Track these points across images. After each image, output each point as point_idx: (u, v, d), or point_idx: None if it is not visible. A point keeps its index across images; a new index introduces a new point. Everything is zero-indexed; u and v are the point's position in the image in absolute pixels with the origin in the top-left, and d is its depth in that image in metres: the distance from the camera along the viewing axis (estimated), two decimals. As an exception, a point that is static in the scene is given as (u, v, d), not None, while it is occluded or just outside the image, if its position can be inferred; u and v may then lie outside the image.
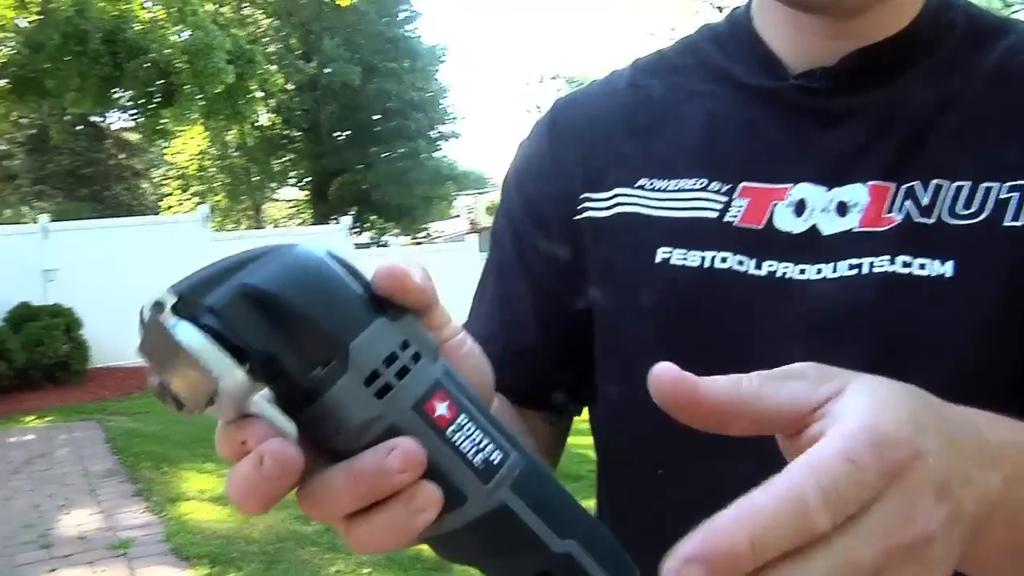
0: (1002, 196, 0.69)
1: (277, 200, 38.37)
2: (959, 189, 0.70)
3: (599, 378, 0.83)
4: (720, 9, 19.53)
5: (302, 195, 36.32)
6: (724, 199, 0.76)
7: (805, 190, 0.74)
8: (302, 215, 37.56)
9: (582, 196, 0.84)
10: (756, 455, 0.45)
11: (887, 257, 0.69)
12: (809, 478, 0.37)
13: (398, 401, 0.44)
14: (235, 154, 31.15)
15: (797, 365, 0.45)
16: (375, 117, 33.20)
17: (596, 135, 0.86)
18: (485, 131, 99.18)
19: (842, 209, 0.72)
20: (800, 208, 0.74)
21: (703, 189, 0.77)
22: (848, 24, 0.75)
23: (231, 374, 0.41)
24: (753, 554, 0.36)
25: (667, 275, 0.75)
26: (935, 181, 0.71)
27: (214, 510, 5.59)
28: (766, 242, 0.73)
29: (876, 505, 0.38)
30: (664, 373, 0.42)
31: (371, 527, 0.44)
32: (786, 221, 0.73)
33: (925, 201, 0.70)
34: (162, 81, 14.25)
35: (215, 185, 32.67)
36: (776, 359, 0.67)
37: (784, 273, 0.72)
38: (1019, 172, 0.69)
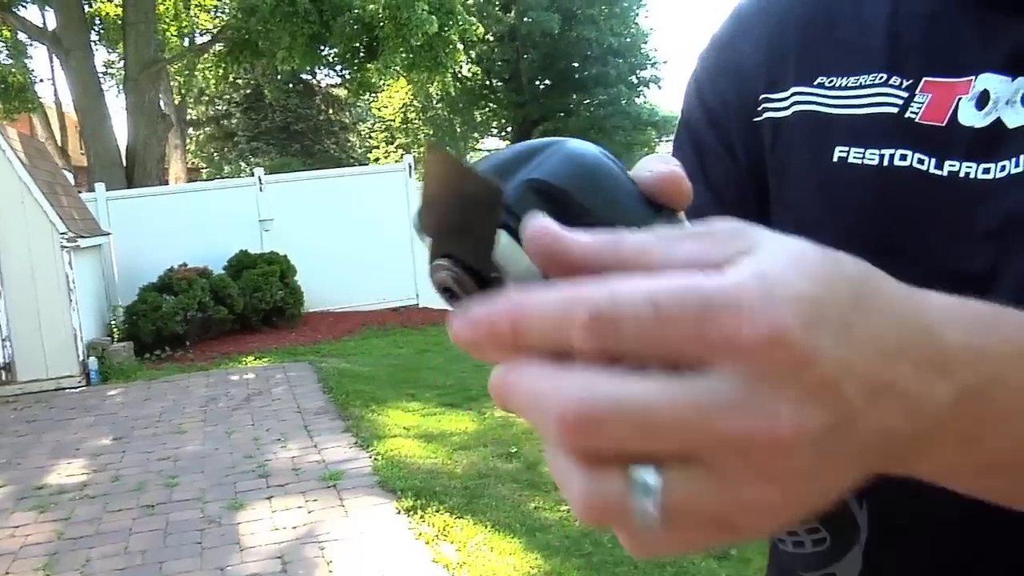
0: None
1: (480, 150, 39.05)
2: None
3: None
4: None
5: (504, 144, 36.78)
6: (905, 94, 0.70)
7: (988, 80, 0.67)
8: (505, 165, 38.19)
9: (762, 97, 0.79)
10: None
11: None
12: (595, 295, 0.33)
13: None
14: (438, 106, 31.81)
15: (709, 221, 0.38)
16: (575, 64, 33.16)
17: (775, 34, 0.81)
18: (688, 75, 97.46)
19: None
20: (983, 100, 0.67)
21: (883, 84, 0.71)
22: None
23: (526, 271, 0.38)
24: (512, 336, 0.34)
25: (844, 175, 0.71)
26: None
27: (418, 447, 5.75)
28: (948, 140, 0.67)
29: (699, 373, 0.32)
30: (534, 228, 0.37)
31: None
32: (969, 116, 0.67)
33: None
34: (366, 36, 14.61)
35: (420, 137, 33.50)
36: (958, 263, 0.60)
37: (967, 173, 0.66)
38: None
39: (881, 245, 0.66)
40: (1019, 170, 0.63)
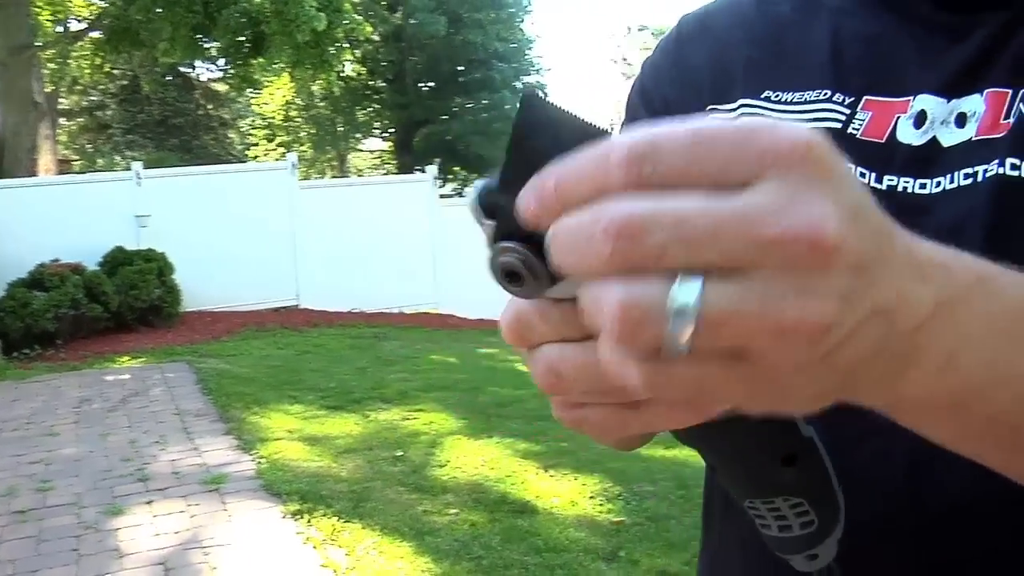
0: None
1: (361, 151, 38.69)
2: None
3: None
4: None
5: (386, 146, 36.52)
6: (847, 111, 0.75)
7: (925, 101, 0.72)
8: (386, 166, 37.81)
9: (709, 108, 0.82)
10: None
11: (996, 162, 0.68)
12: (631, 136, 0.35)
13: None
14: (321, 104, 31.41)
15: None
16: (460, 68, 33.14)
17: (723, 48, 0.85)
18: (571, 82, 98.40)
19: (961, 120, 0.70)
20: (920, 119, 0.72)
21: (827, 100, 0.76)
22: None
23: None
24: (556, 195, 0.35)
25: None
26: None
27: (303, 449, 5.68)
28: (888, 156, 0.72)
29: (741, 189, 0.34)
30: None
31: (667, 407, 0.41)
32: (907, 134, 0.72)
33: None
34: (251, 31, 14.35)
35: (301, 135, 33.03)
36: None
37: (905, 187, 0.71)
38: None
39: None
40: (953, 186, 0.68)
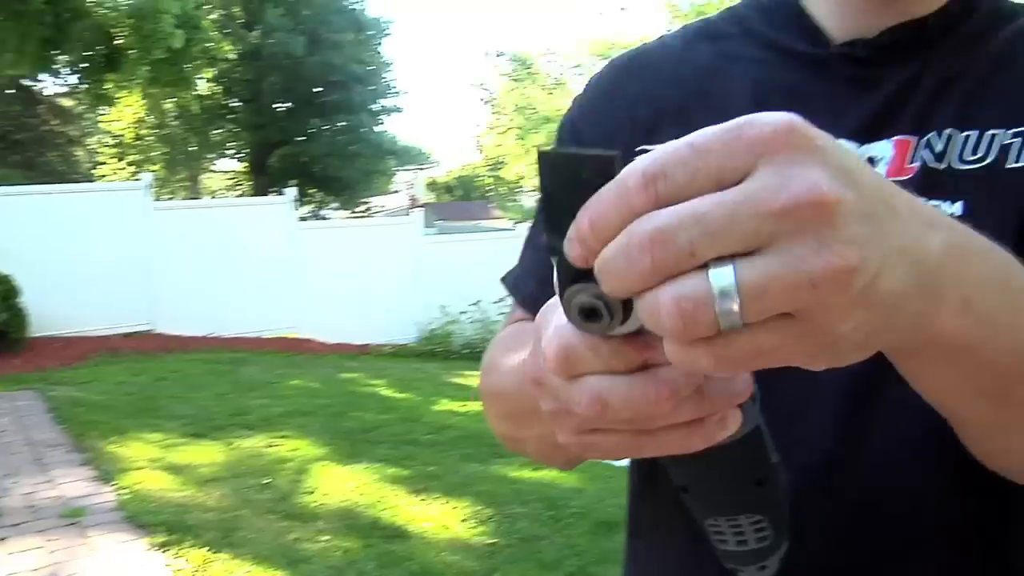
0: (1006, 141, 0.76)
1: (215, 171, 37.85)
2: (967, 137, 0.77)
3: None
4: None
5: (240, 166, 35.82)
6: None
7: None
8: (240, 187, 37.05)
9: (639, 148, 0.87)
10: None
11: None
12: (641, 163, 0.40)
13: None
14: (174, 123, 30.58)
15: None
16: (317, 89, 32.81)
17: (651, 90, 0.92)
18: (428, 106, 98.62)
19: (871, 163, 0.79)
20: None
21: None
22: (890, 4, 0.83)
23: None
24: (593, 234, 0.40)
25: None
26: (948, 131, 0.78)
27: (166, 479, 5.53)
28: None
29: (745, 181, 0.39)
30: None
31: (681, 434, 0.47)
32: None
33: (939, 149, 0.78)
34: (106, 45, 13.92)
35: (152, 154, 32.06)
36: None
37: None
38: (1020, 122, 0.76)
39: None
40: None
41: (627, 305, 0.42)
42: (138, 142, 31.24)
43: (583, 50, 31.58)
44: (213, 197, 39.90)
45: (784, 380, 0.56)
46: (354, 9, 32.94)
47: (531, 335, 0.53)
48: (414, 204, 42.78)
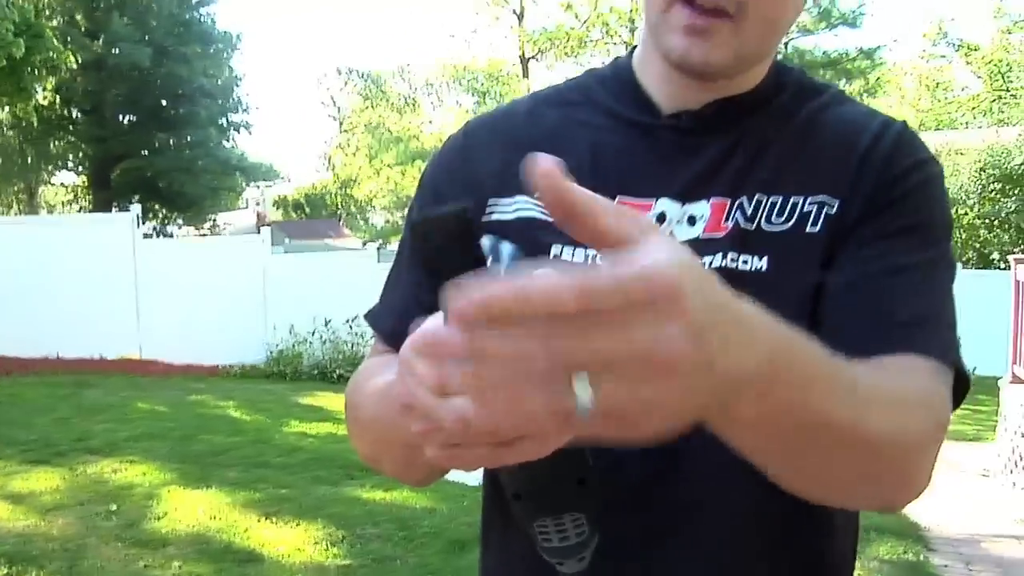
0: (806, 209, 0.92)
1: (53, 184, 36.35)
2: (774, 203, 0.93)
3: None
4: (518, 14, 20.12)
5: (81, 180, 34.53)
6: None
7: (664, 204, 0.96)
8: (80, 202, 35.70)
9: (490, 201, 1.02)
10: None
11: (720, 256, 0.92)
12: (584, 280, 0.49)
13: None
14: (9, 133, 29.25)
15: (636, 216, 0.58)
16: (164, 102, 32.00)
17: (503, 150, 1.04)
18: (277, 123, 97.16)
19: (691, 220, 0.95)
20: (661, 218, 0.95)
21: None
22: (713, 82, 0.98)
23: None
24: (514, 307, 0.48)
25: (559, 267, 0.94)
26: (757, 196, 0.94)
27: (5, 508, 5.37)
28: None
29: (631, 319, 0.48)
30: (544, 167, 0.56)
31: (535, 442, 0.56)
32: None
33: (749, 212, 0.93)
34: (-64, 51, 13.29)
35: (-13, 165, 30.62)
36: None
37: None
38: (819, 191, 0.93)
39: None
40: None
41: None
42: (-31, 151, 29.78)
43: (435, 71, 31.82)
44: (52, 211, 38.35)
45: None
46: (203, 22, 32.31)
47: (393, 367, 0.62)
48: (262, 221, 42.06)
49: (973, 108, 37.89)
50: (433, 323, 0.53)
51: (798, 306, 0.89)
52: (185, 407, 9.41)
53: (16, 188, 33.38)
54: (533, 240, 0.97)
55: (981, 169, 19.88)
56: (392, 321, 1.04)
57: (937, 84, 42.58)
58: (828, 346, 0.70)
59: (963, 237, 20.16)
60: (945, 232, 0.97)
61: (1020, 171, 18.86)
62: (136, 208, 13.77)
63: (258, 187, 49.74)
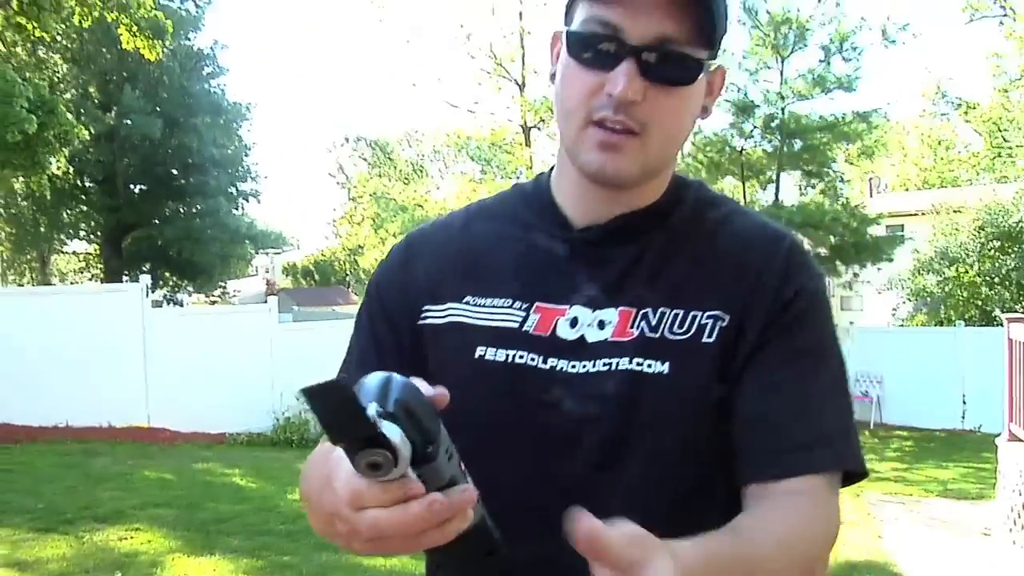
0: (702, 321, 1.06)
1: (65, 252, 36.74)
2: (676, 315, 1.07)
3: None
4: (519, 84, 20.51)
5: (92, 248, 34.92)
6: (523, 314, 1.11)
7: (577, 310, 1.10)
8: (92, 270, 36.05)
9: (424, 308, 1.17)
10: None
11: (627, 359, 1.06)
12: None
13: (456, 465, 0.76)
14: (23, 203, 29.69)
15: (639, 534, 0.76)
16: (174, 172, 32.50)
17: (437, 262, 1.20)
18: (286, 191, 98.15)
19: (601, 325, 1.08)
20: (574, 323, 1.09)
21: (510, 307, 1.12)
22: (618, 196, 1.12)
23: (408, 453, 0.69)
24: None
25: (483, 367, 1.10)
26: (661, 308, 1.07)
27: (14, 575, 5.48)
28: (551, 345, 1.09)
29: None
30: (583, 526, 0.72)
31: (438, 532, 0.73)
32: (564, 331, 1.09)
33: (653, 322, 1.07)
34: (-50, 127, 13.60)
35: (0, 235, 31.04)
36: (559, 426, 1.05)
37: (562, 367, 1.08)
38: (714, 306, 1.06)
39: (505, 417, 1.09)
40: (595, 370, 1.06)
41: (395, 458, 0.69)
42: (-17, 221, 30.21)
43: (440, 139, 32.31)
44: (64, 278, 38.71)
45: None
46: (213, 93, 32.86)
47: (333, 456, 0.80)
48: (271, 289, 42.31)
49: (974, 166, 38.28)
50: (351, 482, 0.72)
51: (694, 404, 1.05)
52: (191, 475, 9.51)
53: (29, 257, 33.77)
54: (461, 342, 1.12)
55: (980, 227, 20.02)
56: None
57: (939, 142, 43.03)
58: (739, 461, 1.00)
59: (964, 296, 20.24)
60: (832, 342, 1.11)
61: (1018, 229, 18.98)
62: (146, 278, 13.97)
63: (267, 254, 50.10)
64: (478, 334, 1.12)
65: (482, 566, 0.86)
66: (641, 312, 1.08)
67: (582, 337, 1.08)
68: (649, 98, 1.02)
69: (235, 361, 13.52)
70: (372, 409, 0.69)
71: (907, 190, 42.61)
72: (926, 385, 16.87)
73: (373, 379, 0.72)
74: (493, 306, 1.13)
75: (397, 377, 0.73)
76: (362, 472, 0.69)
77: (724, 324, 1.06)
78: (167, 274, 33.39)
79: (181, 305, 32.95)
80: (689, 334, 1.06)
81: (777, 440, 1.02)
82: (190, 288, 36.90)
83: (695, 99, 1.09)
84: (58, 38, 21.57)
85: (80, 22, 14.37)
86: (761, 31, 16.92)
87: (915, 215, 27.94)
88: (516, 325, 1.10)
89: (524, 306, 1.11)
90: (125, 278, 30.58)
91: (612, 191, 1.11)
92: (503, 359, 1.09)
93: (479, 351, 1.11)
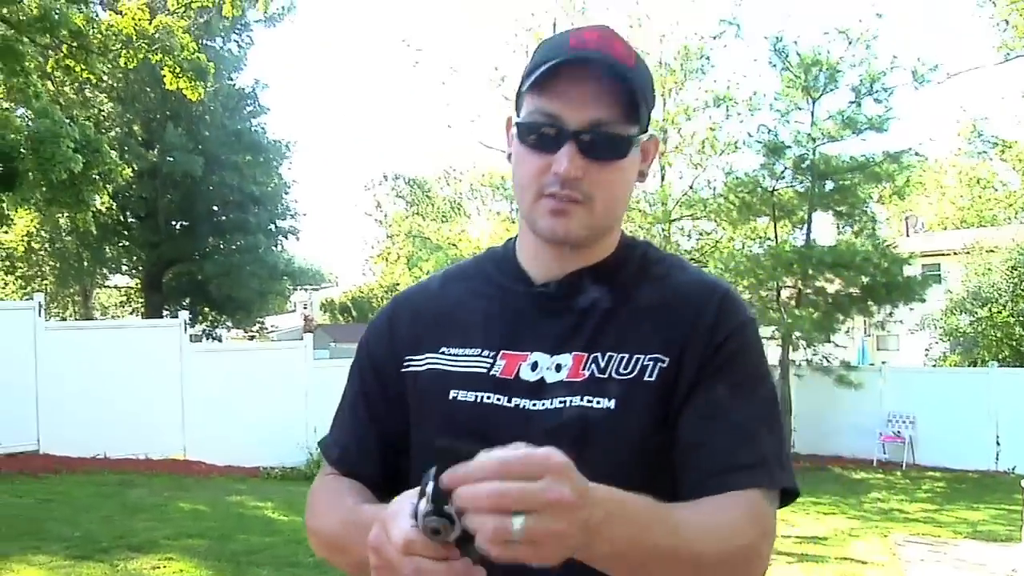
0: (645, 363, 1.23)
1: (107, 287, 37.33)
2: (622, 358, 1.23)
3: (413, 466, 1.35)
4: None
5: (133, 283, 35.45)
6: (490, 360, 1.29)
7: (538, 356, 1.27)
8: (133, 304, 36.59)
9: (406, 358, 1.37)
10: None
11: (579, 396, 1.22)
12: (497, 456, 0.88)
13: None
14: (68, 238, 30.28)
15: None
16: (215, 208, 32.93)
17: (417, 319, 1.40)
18: (325, 228, 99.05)
19: (558, 368, 1.25)
20: (535, 367, 1.26)
21: (479, 355, 1.30)
22: (571, 255, 1.31)
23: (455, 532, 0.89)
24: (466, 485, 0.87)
25: (454, 408, 1.29)
26: (608, 353, 1.24)
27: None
28: (514, 387, 1.26)
29: (545, 483, 0.85)
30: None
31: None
32: (526, 374, 1.26)
33: (602, 365, 1.23)
34: (3, 165, 14.02)
35: (44, 269, 31.62)
36: None
37: (523, 405, 1.25)
38: (655, 350, 1.23)
39: (480, 444, 1.27)
40: (552, 407, 1.24)
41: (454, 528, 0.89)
42: (30, 255, 30.80)
43: (476, 178, 32.67)
44: (105, 312, 39.29)
45: None
46: (254, 131, 33.33)
47: (342, 489, 1.12)
48: (308, 325, 42.67)
49: (1011, 204, 38.04)
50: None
51: (639, 434, 1.22)
52: (224, 507, 9.73)
53: (72, 291, 34.35)
54: (438, 386, 1.31)
55: (1012, 267, 19.92)
56: (338, 452, 1.39)
57: (977, 180, 42.76)
58: (683, 485, 1.16)
59: (997, 336, 20.11)
60: (764, 375, 1.28)
61: (1052, 270, 18.87)
62: (184, 314, 14.32)
63: (305, 290, 50.57)
64: (452, 378, 1.30)
65: None
66: (591, 356, 1.25)
67: (542, 379, 1.25)
68: (590, 173, 1.21)
69: (270, 396, 13.78)
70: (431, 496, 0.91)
71: (945, 228, 42.34)
72: (959, 426, 16.78)
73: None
74: (465, 355, 1.31)
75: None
76: (425, 531, 0.89)
77: (664, 365, 1.23)
78: (206, 309, 33.79)
79: (220, 340, 33.35)
80: (633, 374, 1.22)
81: (719, 462, 1.18)
82: (229, 323, 37.30)
83: (631, 168, 1.28)
84: (104, 78, 22.09)
85: (126, 64, 14.79)
86: (792, 73, 17.10)
87: (950, 255, 27.79)
88: (485, 370, 1.28)
89: (491, 354, 1.29)
90: (165, 312, 31.06)
91: (566, 251, 1.30)
92: (472, 399, 1.27)
93: (452, 393, 1.28)
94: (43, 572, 6.42)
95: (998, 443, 16.39)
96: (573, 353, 1.26)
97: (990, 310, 20.08)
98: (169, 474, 11.72)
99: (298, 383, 14.21)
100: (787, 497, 1.23)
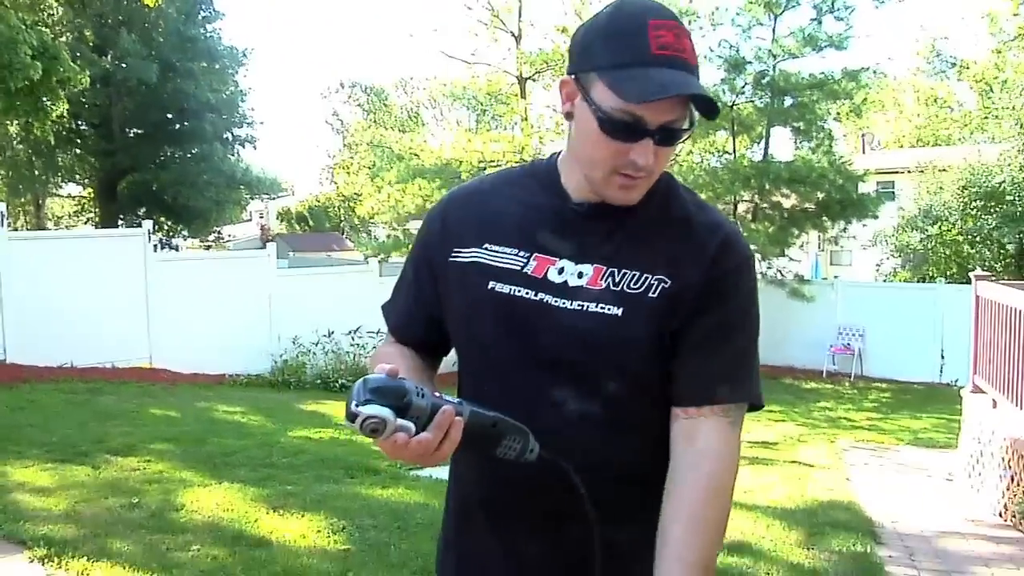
0: (651, 282, 1.44)
1: (60, 196, 36.86)
2: (633, 275, 1.44)
3: (455, 344, 1.61)
4: (516, 35, 20.72)
5: (87, 192, 35.02)
6: (524, 260, 1.51)
7: (564, 262, 1.49)
8: (86, 213, 36.19)
9: (454, 250, 1.57)
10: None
11: (595, 303, 1.44)
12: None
13: (431, 396, 1.22)
14: (19, 147, 29.78)
15: None
16: (169, 116, 32.53)
17: (466, 216, 1.60)
18: (282, 137, 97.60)
19: (580, 275, 1.47)
20: (561, 271, 1.48)
21: (516, 254, 1.52)
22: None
23: (393, 419, 1.15)
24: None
25: (493, 297, 1.51)
26: (623, 269, 1.45)
27: (38, 500, 5.82)
28: (542, 284, 1.48)
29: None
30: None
31: (447, 443, 1.22)
32: (553, 276, 1.48)
33: (616, 279, 1.44)
34: (-44, 72, 13.77)
35: (-4, 177, 31.15)
36: (543, 344, 1.49)
37: (548, 301, 1.47)
38: (661, 272, 1.44)
39: (507, 335, 1.52)
40: (573, 307, 1.45)
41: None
42: (-20, 165, 30.28)
43: (436, 88, 32.40)
44: (58, 222, 38.87)
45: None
46: (209, 38, 32.81)
47: (391, 352, 1.45)
48: (265, 234, 42.49)
49: (966, 125, 38.50)
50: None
51: (641, 339, 1.44)
52: (195, 412, 9.94)
53: (24, 200, 33.90)
54: (480, 277, 1.52)
55: (963, 187, 20.34)
56: (395, 319, 1.69)
57: (934, 100, 43.15)
58: (675, 389, 1.44)
59: (946, 253, 20.64)
60: (753, 310, 1.51)
61: (1001, 189, 19.31)
62: (148, 224, 14.28)
63: (262, 200, 50.24)
64: (492, 272, 1.51)
65: (494, 434, 1.32)
66: (609, 270, 1.46)
67: (565, 282, 1.46)
68: (656, 157, 1.42)
69: (234, 305, 13.92)
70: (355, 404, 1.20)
71: (901, 147, 42.81)
72: (907, 339, 17.36)
73: (358, 386, 1.22)
74: (504, 252, 1.52)
75: (369, 377, 1.21)
76: (367, 435, 1.19)
77: (667, 287, 1.44)
78: (162, 218, 33.53)
79: (176, 249, 33.20)
80: (640, 289, 1.44)
81: (705, 378, 1.44)
82: (185, 232, 37.12)
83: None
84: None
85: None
86: (754, -12, 17.13)
87: (905, 172, 28.20)
88: (519, 268, 1.50)
89: (526, 255, 1.50)
90: (120, 222, 30.82)
91: None
92: (507, 291, 1.48)
93: (491, 284, 1.50)
94: (29, 472, 6.55)
95: (943, 357, 16.96)
96: (594, 265, 1.46)
97: (940, 228, 20.54)
98: (136, 382, 11.87)
99: (262, 292, 14.36)
100: (752, 409, 1.51)
